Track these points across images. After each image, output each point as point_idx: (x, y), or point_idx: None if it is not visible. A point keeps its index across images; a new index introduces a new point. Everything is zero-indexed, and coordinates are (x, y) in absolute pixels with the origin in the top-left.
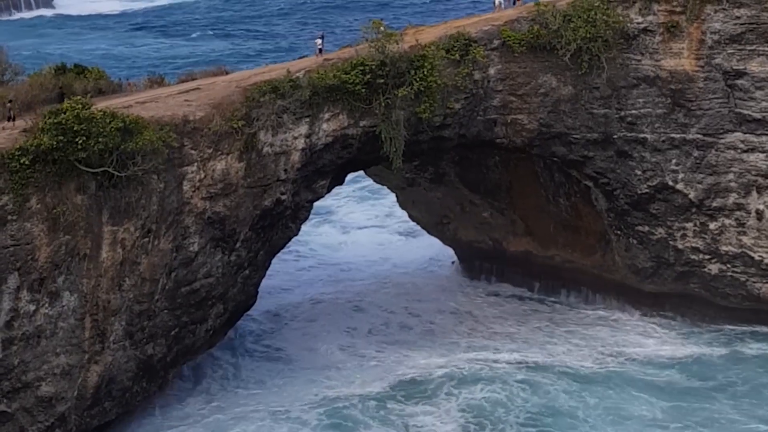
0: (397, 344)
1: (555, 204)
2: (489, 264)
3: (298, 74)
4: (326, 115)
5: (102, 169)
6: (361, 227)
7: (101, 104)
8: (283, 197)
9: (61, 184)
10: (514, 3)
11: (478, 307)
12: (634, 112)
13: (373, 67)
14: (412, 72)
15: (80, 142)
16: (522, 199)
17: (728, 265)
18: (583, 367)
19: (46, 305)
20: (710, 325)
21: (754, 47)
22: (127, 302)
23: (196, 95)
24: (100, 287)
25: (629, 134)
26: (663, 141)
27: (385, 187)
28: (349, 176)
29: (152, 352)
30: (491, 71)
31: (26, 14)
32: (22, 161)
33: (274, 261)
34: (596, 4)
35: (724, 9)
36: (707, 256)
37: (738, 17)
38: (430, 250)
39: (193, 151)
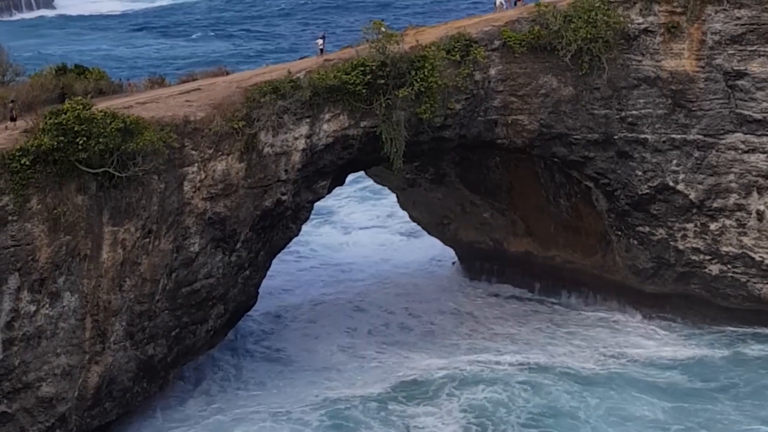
0: (397, 345)
1: (555, 204)
2: (489, 264)
3: (298, 75)
4: (327, 116)
5: (102, 169)
6: (362, 228)
7: (102, 105)
8: (284, 198)
9: (61, 184)
10: (515, 3)
11: (479, 308)
12: (634, 112)
13: (374, 67)
14: (413, 72)
15: (81, 142)
16: (522, 200)
17: (729, 266)
18: (584, 368)
19: (47, 306)
20: (711, 327)
21: (754, 48)
22: (127, 303)
23: (197, 96)
24: (101, 288)
25: (630, 135)
26: (663, 141)
27: (385, 187)
28: (350, 177)
29: (153, 353)
30: (492, 72)
31: (27, 15)
32: (22, 162)
33: (274, 261)
34: (597, 5)
35: (724, 9)
36: (708, 257)
37: (739, 18)
38: (431, 250)
39: (193, 152)
